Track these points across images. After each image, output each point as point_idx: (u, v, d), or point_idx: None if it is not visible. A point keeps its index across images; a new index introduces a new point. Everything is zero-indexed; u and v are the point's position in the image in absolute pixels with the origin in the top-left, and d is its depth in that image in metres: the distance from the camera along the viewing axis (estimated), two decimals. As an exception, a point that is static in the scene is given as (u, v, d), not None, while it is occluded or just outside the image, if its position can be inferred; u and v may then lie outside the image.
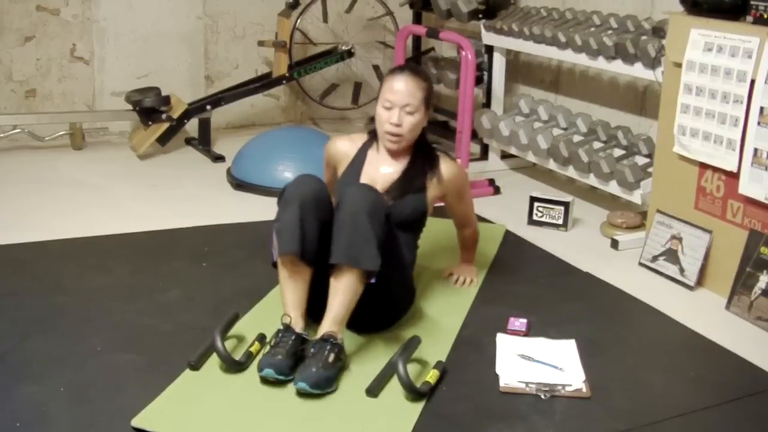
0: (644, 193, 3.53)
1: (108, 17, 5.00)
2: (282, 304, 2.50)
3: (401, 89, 2.69)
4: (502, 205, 4.07)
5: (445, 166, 2.82)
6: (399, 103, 2.68)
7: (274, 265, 2.53)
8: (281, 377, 2.29)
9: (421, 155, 2.82)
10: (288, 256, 2.44)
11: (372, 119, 2.90)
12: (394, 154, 2.80)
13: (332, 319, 2.39)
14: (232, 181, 4.23)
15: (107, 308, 2.80)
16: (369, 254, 2.38)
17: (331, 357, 2.31)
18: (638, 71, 3.61)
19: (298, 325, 2.43)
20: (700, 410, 2.32)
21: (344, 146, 2.87)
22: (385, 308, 2.65)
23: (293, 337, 2.37)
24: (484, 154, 4.72)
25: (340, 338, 2.39)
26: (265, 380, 2.31)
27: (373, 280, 2.43)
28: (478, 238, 3.14)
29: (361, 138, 2.88)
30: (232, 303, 2.75)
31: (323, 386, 2.26)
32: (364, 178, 2.76)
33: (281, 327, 2.40)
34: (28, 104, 4.93)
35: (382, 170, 2.79)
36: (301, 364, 2.31)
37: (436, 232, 3.34)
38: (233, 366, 2.38)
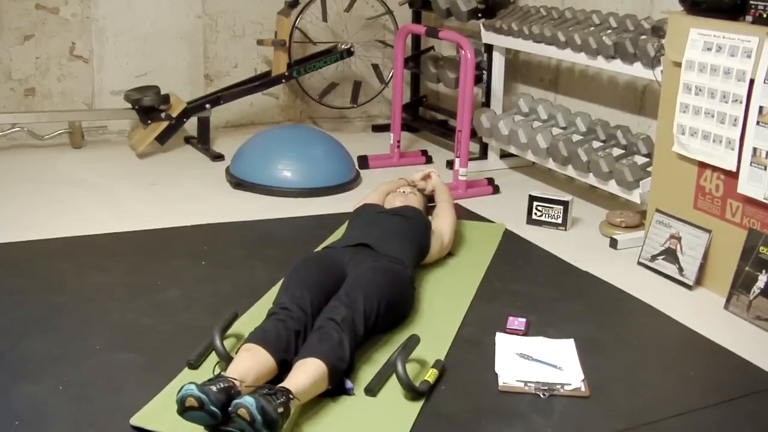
0: (643, 193, 3.53)
1: (107, 16, 5.00)
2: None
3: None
4: (501, 204, 4.07)
5: None
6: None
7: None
8: (200, 395, 1.97)
9: None
10: (258, 343, 2.26)
11: None
12: None
13: (293, 382, 2.13)
14: (231, 180, 4.23)
15: (106, 307, 2.80)
16: (340, 365, 2.24)
17: (282, 408, 1.99)
18: (637, 71, 3.61)
19: (234, 376, 2.12)
20: (698, 409, 2.32)
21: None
22: (389, 324, 2.64)
23: (227, 382, 2.07)
24: (483, 154, 4.72)
25: (293, 403, 2.07)
26: (186, 408, 2.00)
27: (351, 393, 2.29)
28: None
29: None
30: (231, 302, 2.75)
31: (267, 419, 1.94)
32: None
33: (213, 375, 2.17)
34: (28, 103, 4.93)
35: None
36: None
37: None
38: (232, 365, 2.36)
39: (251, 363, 2.21)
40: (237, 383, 2.09)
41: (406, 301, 2.74)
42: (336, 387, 2.25)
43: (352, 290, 2.49)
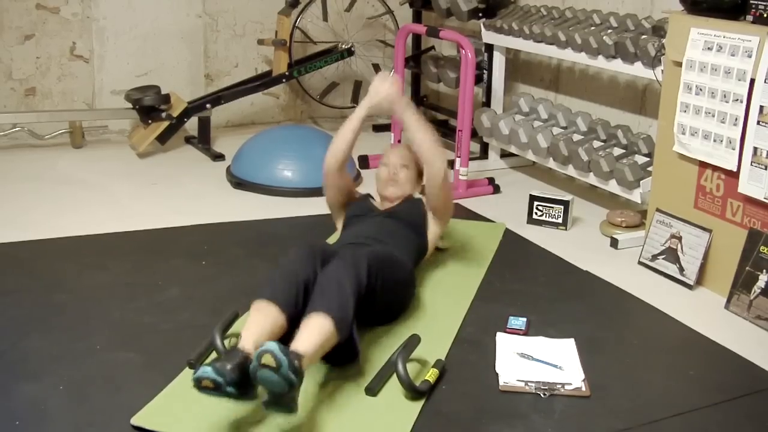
0: (644, 192, 3.53)
1: (108, 15, 5.00)
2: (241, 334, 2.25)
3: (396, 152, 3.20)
4: (502, 203, 4.07)
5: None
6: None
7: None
8: (218, 378, 2.00)
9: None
10: (266, 300, 2.33)
11: None
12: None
13: (300, 343, 2.16)
14: (232, 180, 4.23)
15: (106, 306, 2.80)
16: (345, 320, 2.27)
17: (297, 362, 2.01)
18: (638, 70, 3.61)
19: (248, 348, 2.14)
20: (699, 409, 2.32)
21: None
22: (385, 306, 2.65)
23: (241, 355, 2.08)
24: (483, 153, 4.72)
25: (304, 363, 2.09)
26: (202, 387, 2.02)
27: (357, 352, 2.35)
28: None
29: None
30: (232, 301, 2.75)
31: (289, 368, 1.97)
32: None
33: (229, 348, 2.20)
34: (28, 103, 4.93)
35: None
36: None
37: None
38: (232, 364, 2.36)
39: (264, 324, 2.25)
40: (252, 355, 2.08)
41: (407, 287, 2.75)
42: (346, 342, 2.28)
43: (355, 252, 2.52)
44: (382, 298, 2.55)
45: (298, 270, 2.43)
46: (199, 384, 2.02)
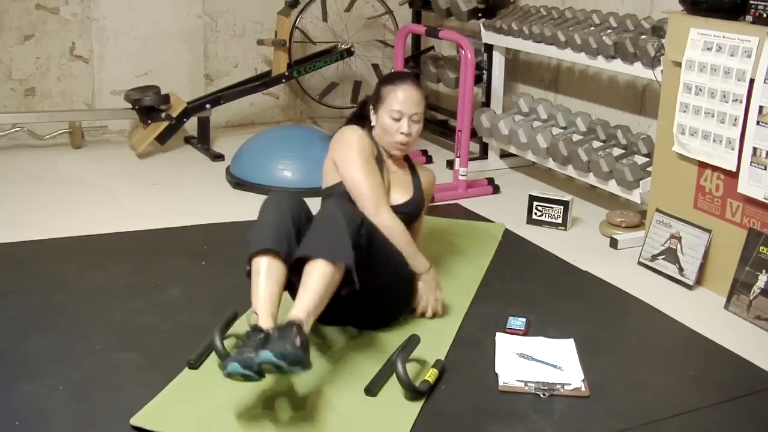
0: (643, 192, 3.53)
1: (107, 16, 5.00)
2: (251, 301, 2.33)
3: (409, 99, 2.74)
4: (501, 204, 4.07)
5: (424, 172, 2.98)
6: (408, 112, 2.75)
7: (248, 274, 2.38)
8: (248, 372, 2.06)
9: (408, 158, 2.96)
10: (260, 253, 2.35)
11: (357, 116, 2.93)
12: (398, 160, 2.89)
13: (300, 308, 2.22)
14: (232, 180, 4.23)
15: (106, 307, 2.80)
16: (342, 248, 2.30)
17: (297, 340, 2.08)
18: (638, 70, 3.61)
19: (266, 323, 2.23)
20: (698, 409, 2.32)
21: (369, 143, 2.80)
22: (384, 305, 2.64)
23: (261, 336, 2.16)
24: (483, 153, 4.72)
25: (306, 329, 2.17)
26: (230, 377, 2.11)
27: (356, 287, 2.34)
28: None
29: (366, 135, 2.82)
30: (231, 301, 2.75)
31: (290, 360, 2.03)
32: (395, 184, 2.83)
33: (249, 329, 2.22)
34: (28, 103, 4.93)
35: (403, 177, 2.89)
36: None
37: (429, 228, 3.35)
38: (232, 365, 2.37)
39: (273, 289, 2.31)
40: (271, 330, 2.17)
41: (400, 273, 2.68)
42: (346, 278, 2.32)
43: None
44: (380, 268, 2.50)
45: (283, 207, 2.44)
46: (228, 376, 2.10)
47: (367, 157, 2.73)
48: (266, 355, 2.03)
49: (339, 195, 2.70)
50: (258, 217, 2.47)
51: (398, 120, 2.74)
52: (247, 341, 2.15)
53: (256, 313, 2.27)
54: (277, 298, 2.33)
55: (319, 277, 2.26)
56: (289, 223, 2.41)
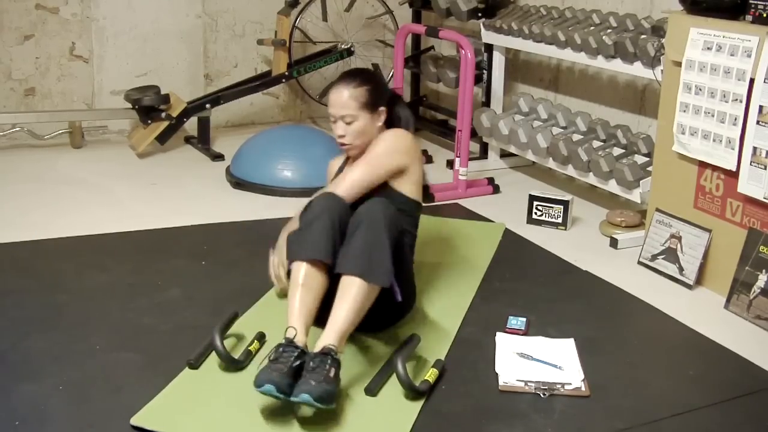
0: (643, 192, 3.53)
1: (107, 16, 5.00)
2: (288, 312, 2.34)
3: (336, 101, 2.71)
4: (502, 203, 4.07)
5: None
6: (337, 114, 2.71)
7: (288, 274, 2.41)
8: (281, 396, 2.11)
9: None
10: (310, 262, 2.37)
11: None
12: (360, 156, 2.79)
13: (335, 332, 2.25)
14: (232, 180, 4.23)
15: (106, 307, 2.80)
16: (383, 268, 2.32)
17: (332, 372, 2.15)
18: (638, 70, 3.61)
19: (301, 340, 2.26)
20: (699, 409, 2.32)
21: (335, 162, 2.95)
22: (391, 310, 2.64)
23: (296, 354, 2.19)
24: (483, 153, 4.72)
25: (340, 354, 2.24)
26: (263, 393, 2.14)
27: (398, 299, 2.40)
28: None
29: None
30: (232, 301, 2.75)
31: (327, 401, 2.10)
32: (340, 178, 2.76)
33: (284, 340, 2.23)
34: (28, 103, 4.93)
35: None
36: (301, 378, 2.15)
37: (429, 228, 3.34)
38: (232, 365, 2.38)
39: (309, 303, 2.33)
40: (299, 350, 2.19)
41: (409, 279, 2.67)
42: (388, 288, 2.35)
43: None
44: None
45: (333, 214, 2.43)
46: (261, 393, 2.12)
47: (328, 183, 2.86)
48: (305, 398, 2.08)
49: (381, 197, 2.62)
50: (305, 220, 2.46)
51: (335, 122, 2.73)
52: (281, 356, 2.18)
53: (294, 328, 2.28)
54: (313, 313, 2.35)
55: (355, 296, 2.30)
56: (338, 234, 2.41)
